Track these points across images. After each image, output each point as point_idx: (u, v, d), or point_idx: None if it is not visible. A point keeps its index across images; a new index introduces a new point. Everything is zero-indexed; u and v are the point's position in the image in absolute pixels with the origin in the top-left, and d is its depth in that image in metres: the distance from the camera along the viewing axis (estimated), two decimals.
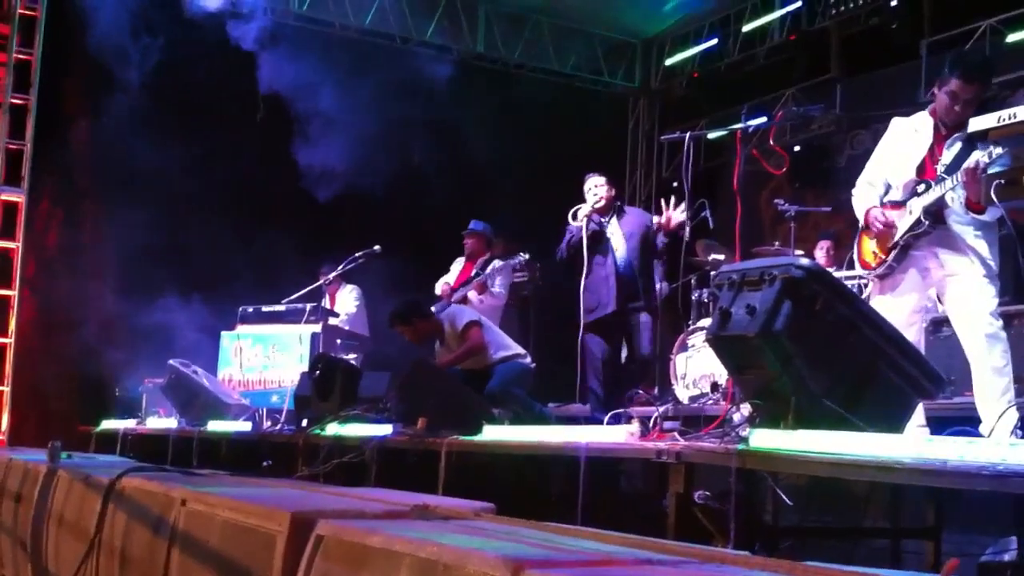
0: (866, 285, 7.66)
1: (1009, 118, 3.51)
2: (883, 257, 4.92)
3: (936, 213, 4.77)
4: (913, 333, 4.82)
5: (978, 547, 4.55)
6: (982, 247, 4.71)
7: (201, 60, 9.85)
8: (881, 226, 4.93)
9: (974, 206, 4.60)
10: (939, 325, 6.12)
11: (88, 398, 10.32)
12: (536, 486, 5.33)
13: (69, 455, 5.42)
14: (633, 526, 3.13)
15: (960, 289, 4.77)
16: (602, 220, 7.05)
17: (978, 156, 4.49)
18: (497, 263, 8.65)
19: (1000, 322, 4.71)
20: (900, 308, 4.90)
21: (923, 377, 3.85)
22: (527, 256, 8.34)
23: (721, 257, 8.50)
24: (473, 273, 8.72)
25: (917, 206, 4.81)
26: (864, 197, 5.13)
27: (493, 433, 5.44)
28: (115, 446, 9.05)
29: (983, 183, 4.51)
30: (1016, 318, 5.91)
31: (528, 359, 7.34)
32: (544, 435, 5.14)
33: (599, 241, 6.96)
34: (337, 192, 10.16)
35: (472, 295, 8.48)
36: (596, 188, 7.13)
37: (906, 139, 5.00)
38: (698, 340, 8.01)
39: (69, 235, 10.68)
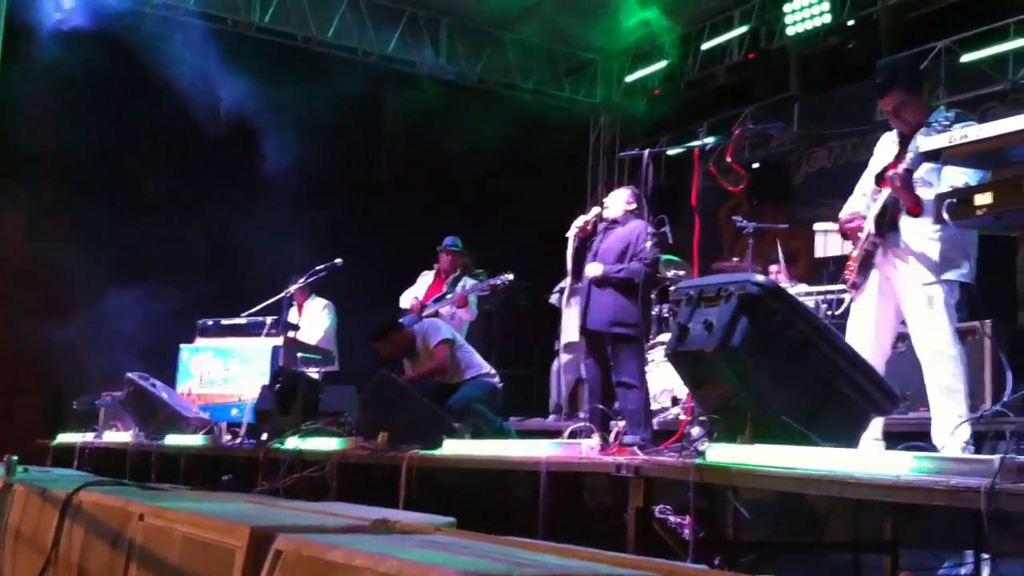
0: (819, 304, 7.78)
1: (960, 139, 3.56)
2: (853, 268, 4.95)
3: (885, 221, 4.75)
4: (874, 343, 4.76)
5: (937, 561, 4.62)
6: (933, 249, 4.62)
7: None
8: (849, 227, 4.96)
9: (910, 210, 4.61)
10: (895, 339, 6.18)
11: (45, 411, 10.20)
12: (498, 500, 5.33)
13: (25, 469, 5.38)
14: (595, 540, 3.15)
15: (910, 303, 4.73)
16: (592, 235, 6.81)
17: (906, 162, 4.57)
18: (469, 281, 8.68)
19: (949, 338, 4.59)
20: (865, 320, 4.87)
21: (877, 392, 3.91)
22: (511, 277, 8.32)
23: (681, 273, 8.56)
24: (445, 288, 8.75)
25: (871, 215, 4.84)
26: (847, 207, 5.12)
27: (454, 447, 5.45)
28: (72, 460, 8.97)
29: (905, 189, 4.55)
30: (968, 334, 5.99)
31: (496, 379, 7.36)
32: (505, 449, 5.16)
33: (581, 261, 6.78)
34: (298, 204, 10.15)
35: (444, 310, 8.50)
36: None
37: (882, 150, 5.06)
38: (658, 355, 8.05)
39: (29, 247, 10.56)
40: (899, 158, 4.83)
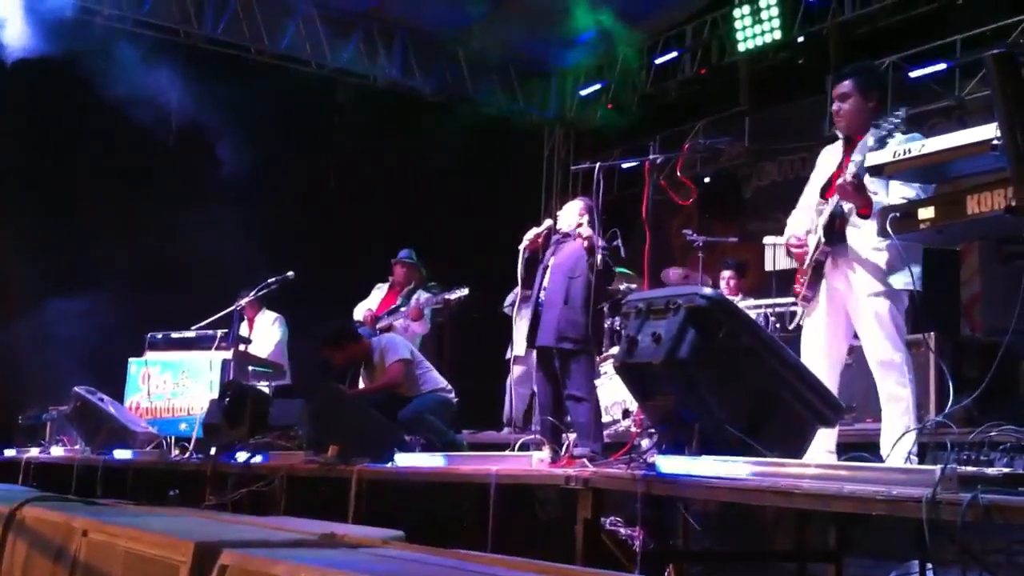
0: (767, 316, 7.85)
1: (904, 153, 3.62)
2: (802, 281, 4.97)
3: (833, 231, 4.77)
4: (827, 356, 4.76)
5: (882, 571, 4.68)
6: (880, 258, 4.64)
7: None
8: (795, 251, 5.01)
9: (862, 212, 4.62)
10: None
11: None
12: (448, 514, 5.34)
13: None
14: (545, 553, 3.16)
15: (853, 307, 4.73)
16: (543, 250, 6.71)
17: (852, 168, 4.60)
18: (424, 294, 8.66)
19: (896, 347, 4.62)
20: (818, 333, 4.87)
21: (822, 404, 3.96)
22: (466, 291, 8.31)
23: (633, 286, 8.60)
24: (399, 301, 8.73)
25: (819, 226, 4.86)
26: (790, 226, 5.15)
27: (405, 460, 5.44)
28: (17, 475, 8.83)
29: (857, 192, 4.57)
30: (913, 346, 6.07)
31: (452, 395, 7.37)
32: (455, 463, 5.16)
33: (532, 272, 6.74)
34: (249, 216, 10.09)
35: (398, 323, 8.48)
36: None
37: (825, 163, 5.10)
38: (610, 367, 8.08)
39: None
40: (842, 166, 4.87)
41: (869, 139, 4.64)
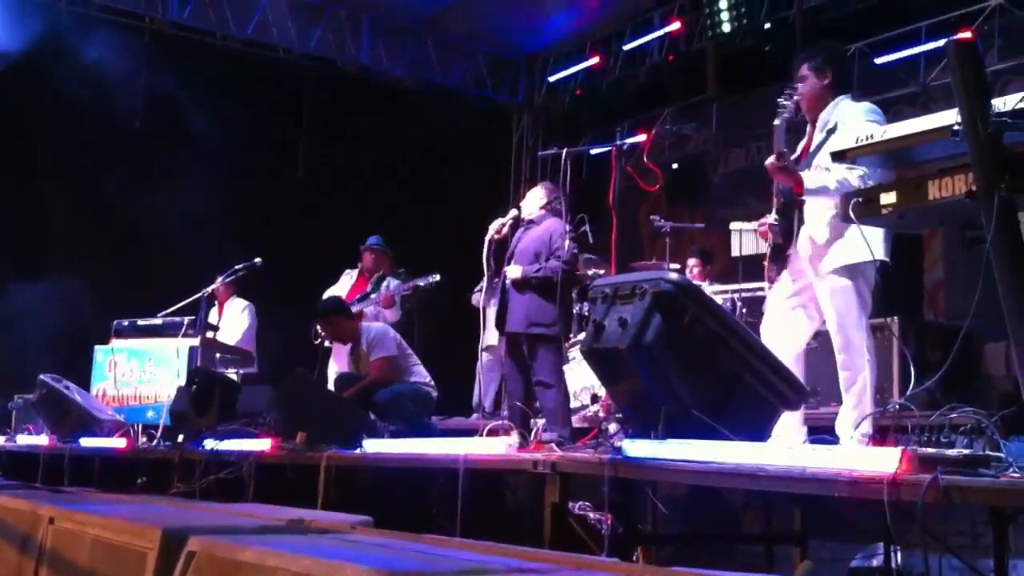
0: (733, 302, 7.90)
1: (867, 139, 3.65)
2: (768, 264, 4.98)
3: (789, 210, 4.78)
4: (787, 338, 4.69)
5: (850, 553, 4.74)
6: (838, 232, 4.54)
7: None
8: (762, 234, 5.03)
9: (796, 190, 4.60)
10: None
11: None
12: (417, 499, 5.34)
13: None
14: (514, 538, 3.18)
15: (818, 290, 4.66)
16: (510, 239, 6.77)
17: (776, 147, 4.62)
18: (393, 281, 8.66)
19: (855, 325, 4.53)
20: (779, 315, 4.83)
21: (786, 388, 4.00)
22: (437, 277, 8.32)
23: (601, 271, 8.63)
24: (369, 288, 8.71)
25: (774, 206, 4.88)
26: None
27: (373, 446, 5.45)
28: None
29: (781, 172, 4.59)
30: (878, 330, 6.13)
31: (433, 390, 7.41)
32: (423, 448, 5.17)
33: (501, 257, 6.72)
34: (217, 202, 10.03)
35: (369, 310, 8.47)
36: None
37: (797, 145, 5.15)
38: (578, 352, 8.12)
39: None
40: (807, 146, 4.90)
41: (833, 112, 4.76)
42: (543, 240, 6.54)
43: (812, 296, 4.74)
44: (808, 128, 5.01)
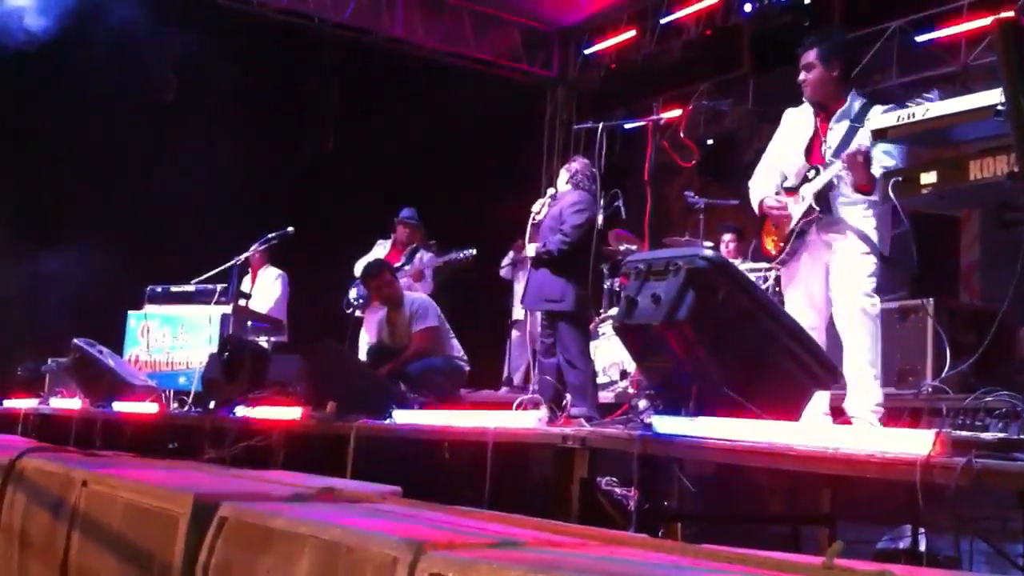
0: (767, 279, 7.85)
1: (908, 117, 3.61)
2: (782, 245, 4.99)
3: (826, 197, 4.82)
4: (812, 320, 4.81)
5: (876, 535, 4.71)
6: (868, 225, 4.75)
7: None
8: (776, 214, 5.02)
9: (863, 188, 4.67)
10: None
11: None
12: (445, 471, 5.36)
13: None
14: (541, 512, 3.19)
15: (837, 264, 4.80)
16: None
17: (859, 140, 4.64)
18: (426, 254, 8.69)
19: (874, 299, 4.73)
20: (799, 296, 4.94)
21: (818, 367, 3.97)
22: (474, 251, 8.37)
23: (633, 247, 8.59)
24: (403, 260, 8.74)
25: (808, 192, 4.88)
26: (758, 187, 5.21)
27: (403, 417, 5.46)
28: (16, 427, 8.86)
29: (866, 167, 4.61)
30: (911, 312, 6.08)
31: (466, 364, 7.51)
32: (453, 420, 5.18)
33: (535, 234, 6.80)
34: (251, 173, 10.06)
35: (401, 282, 8.50)
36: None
37: (794, 127, 5.13)
38: (608, 328, 8.10)
39: None
40: (819, 133, 4.94)
41: (856, 105, 4.85)
42: (556, 216, 6.58)
43: (827, 280, 4.87)
44: (813, 117, 4.98)
